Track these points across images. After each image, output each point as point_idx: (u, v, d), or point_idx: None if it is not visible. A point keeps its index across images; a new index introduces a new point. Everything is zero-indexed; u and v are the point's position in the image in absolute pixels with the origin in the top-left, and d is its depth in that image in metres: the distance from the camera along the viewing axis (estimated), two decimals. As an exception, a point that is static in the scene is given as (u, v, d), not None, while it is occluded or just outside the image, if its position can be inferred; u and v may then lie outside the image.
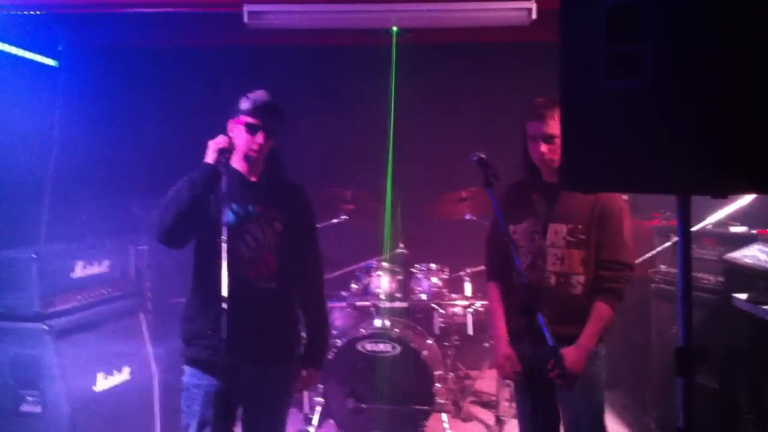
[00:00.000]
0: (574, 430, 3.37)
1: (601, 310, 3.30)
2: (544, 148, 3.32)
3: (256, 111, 3.22)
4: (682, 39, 1.76)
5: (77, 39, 5.41)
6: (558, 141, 3.26)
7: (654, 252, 5.05)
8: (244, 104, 3.24)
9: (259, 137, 3.22)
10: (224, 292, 2.80)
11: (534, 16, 4.87)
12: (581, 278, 3.32)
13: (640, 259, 5.19)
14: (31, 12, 4.61)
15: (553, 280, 3.35)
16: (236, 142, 3.24)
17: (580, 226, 3.30)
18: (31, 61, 5.08)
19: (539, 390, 3.44)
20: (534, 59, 5.52)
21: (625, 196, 3.51)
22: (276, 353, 3.31)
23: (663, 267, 5.08)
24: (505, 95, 5.93)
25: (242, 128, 3.24)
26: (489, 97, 6.30)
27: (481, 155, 3.20)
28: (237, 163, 3.32)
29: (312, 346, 3.50)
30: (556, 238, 3.35)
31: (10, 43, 4.77)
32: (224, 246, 2.88)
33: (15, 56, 4.87)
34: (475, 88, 6.21)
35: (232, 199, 3.22)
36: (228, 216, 3.14)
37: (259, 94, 3.27)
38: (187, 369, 3.28)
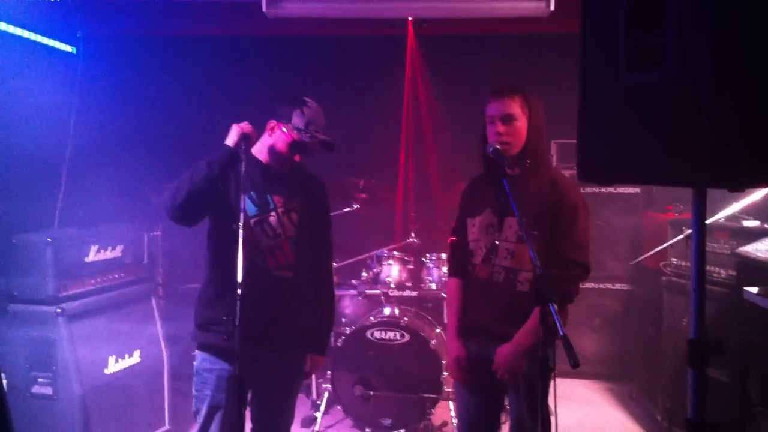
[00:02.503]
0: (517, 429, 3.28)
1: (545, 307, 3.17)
2: (501, 128, 3.17)
3: (313, 135, 3.23)
4: (705, 31, 1.75)
5: (96, 26, 5.44)
6: (517, 125, 3.17)
7: (667, 245, 5.05)
8: (298, 119, 3.25)
9: (298, 157, 3.29)
10: (239, 278, 2.81)
11: (552, 7, 4.85)
12: (529, 275, 3.17)
13: (652, 252, 5.20)
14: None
15: (502, 275, 3.24)
16: (274, 144, 3.28)
17: (532, 221, 3.10)
18: (50, 47, 5.11)
19: (487, 392, 3.38)
20: (552, 51, 5.50)
21: (582, 191, 3.38)
22: (290, 340, 3.35)
23: (675, 260, 5.08)
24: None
25: (285, 138, 3.26)
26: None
27: (497, 146, 3.15)
28: (260, 153, 3.36)
29: (317, 332, 3.55)
30: (509, 232, 3.22)
31: (30, 29, 4.80)
32: (241, 233, 2.90)
33: (34, 42, 4.90)
34: (491, 79, 6.16)
35: (252, 188, 3.25)
36: (247, 205, 3.19)
37: (316, 115, 3.28)
38: (199, 354, 3.31)
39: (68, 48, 5.30)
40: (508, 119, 3.18)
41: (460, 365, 3.38)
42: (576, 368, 2.45)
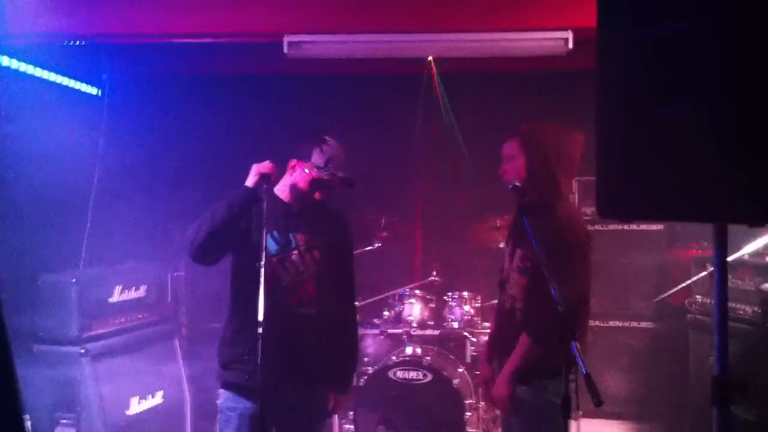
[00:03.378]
0: None
1: (522, 339, 3.16)
2: (502, 167, 3.35)
3: (332, 172, 3.28)
4: (727, 68, 1.74)
5: (120, 68, 5.53)
6: (515, 163, 3.29)
7: (689, 282, 5.00)
8: (318, 157, 3.29)
9: (319, 194, 3.32)
10: (260, 317, 2.83)
11: (571, 45, 4.88)
12: (521, 305, 3.23)
13: (676, 289, 5.16)
14: (77, 42, 4.73)
15: (508, 303, 3.33)
16: (295, 183, 3.32)
17: (528, 252, 3.18)
18: (76, 89, 5.21)
19: None
20: (571, 88, 5.51)
21: (586, 228, 3.41)
22: (313, 377, 3.35)
23: (699, 297, 5.02)
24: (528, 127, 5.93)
25: (305, 176, 3.29)
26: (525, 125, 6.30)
27: (517, 183, 3.19)
28: (282, 192, 3.39)
29: (341, 371, 3.54)
30: (515, 262, 3.30)
31: (56, 72, 4.91)
32: (262, 272, 2.92)
33: (60, 85, 5.01)
34: (510, 116, 6.19)
35: (275, 226, 3.28)
36: (269, 243, 3.22)
37: (336, 152, 3.33)
38: (222, 392, 3.32)
39: (93, 90, 5.41)
40: (508, 158, 3.34)
41: (486, 387, 3.48)
42: (599, 407, 2.43)
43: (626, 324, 6.28)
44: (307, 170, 3.29)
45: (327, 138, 3.36)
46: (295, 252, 3.31)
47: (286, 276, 3.27)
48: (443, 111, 6.20)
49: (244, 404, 3.21)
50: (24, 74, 4.59)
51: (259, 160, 3.26)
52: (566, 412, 2.73)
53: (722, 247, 1.99)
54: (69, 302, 4.07)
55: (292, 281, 3.28)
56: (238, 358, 3.18)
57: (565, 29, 4.81)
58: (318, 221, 3.41)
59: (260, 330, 2.82)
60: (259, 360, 2.77)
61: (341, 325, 3.49)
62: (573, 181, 6.04)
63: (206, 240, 3.13)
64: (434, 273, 5.87)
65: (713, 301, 2.00)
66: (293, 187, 3.35)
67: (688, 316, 5.09)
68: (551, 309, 2.95)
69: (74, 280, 4.08)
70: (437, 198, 6.36)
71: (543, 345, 3.15)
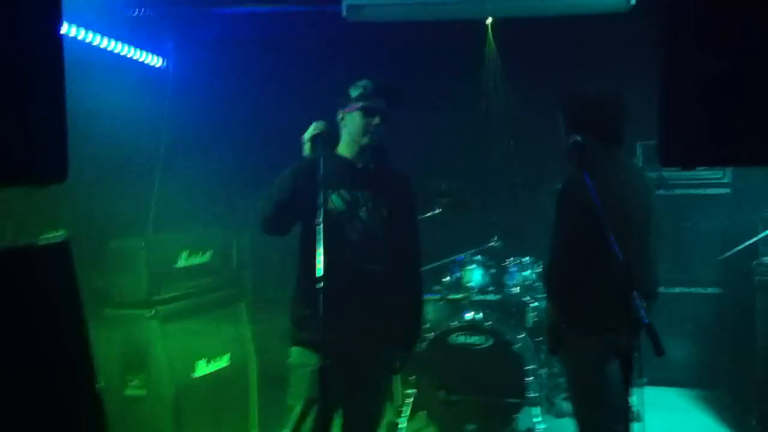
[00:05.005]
0: None
1: None
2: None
3: (371, 95, 3.32)
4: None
5: (184, 36, 5.60)
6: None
7: (757, 238, 4.89)
8: (356, 90, 3.34)
9: (377, 120, 3.32)
10: (321, 272, 2.86)
11: (633, 1, 4.76)
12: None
13: (743, 246, 5.06)
14: (142, 11, 4.83)
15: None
16: (351, 129, 3.36)
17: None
18: (140, 61, 5.31)
19: None
20: (633, 49, 5.39)
21: None
22: (381, 334, 3.39)
23: (767, 259, 4.91)
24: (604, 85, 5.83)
25: (357, 114, 3.33)
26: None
27: (578, 138, 3.18)
28: (345, 149, 3.43)
29: (406, 328, 3.56)
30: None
31: (123, 42, 5.01)
32: (321, 228, 2.95)
33: (125, 56, 5.11)
34: (572, 79, 6.11)
35: (341, 185, 3.33)
36: (337, 202, 3.29)
37: (368, 80, 3.36)
38: (294, 350, 3.38)
39: (158, 60, 5.50)
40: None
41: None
42: (661, 356, 2.44)
43: (692, 290, 6.18)
44: (353, 104, 3.33)
45: (358, 80, 3.39)
46: (363, 209, 3.35)
47: (354, 234, 3.32)
48: (504, 74, 6.14)
49: (316, 360, 3.25)
50: (91, 45, 4.68)
51: (306, 128, 3.30)
52: (627, 366, 2.72)
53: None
54: (138, 266, 4.17)
55: (361, 239, 3.32)
56: (308, 316, 3.21)
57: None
58: (383, 179, 3.44)
59: (324, 285, 2.84)
60: (321, 314, 2.81)
61: (407, 283, 3.52)
62: (636, 144, 6.04)
63: (275, 212, 3.23)
64: (495, 238, 5.85)
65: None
66: (352, 134, 3.37)
67: (756, 278, 4.98)
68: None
69: (143, 244, 4.18)
70: (498, 163, 6.32)
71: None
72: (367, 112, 3.32)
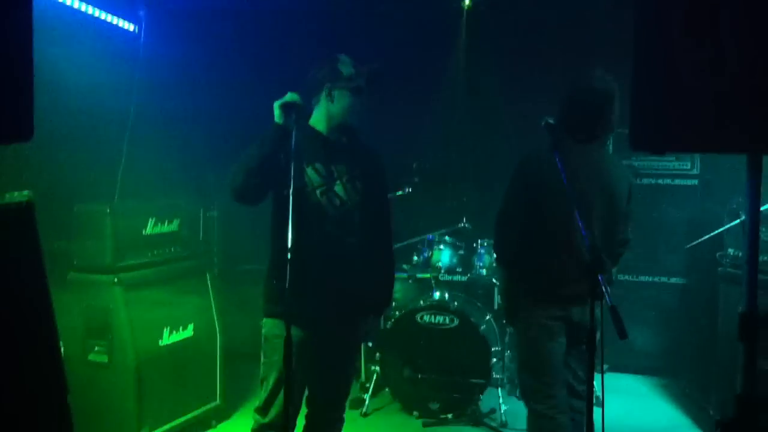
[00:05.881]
0: None
1: None
2: None
3: (363, 76, 3.32)
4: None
5: (157, 4, 5.51)
6: None
7: (722, 229, 4.96)
8: (347, 68, 3.32)
9: (364, 100, 3.35)
10: (290, 243, 2.86)
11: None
12: None
13: (708, 236, 5.13)
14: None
15: None
16: (337, 107, 3.34)
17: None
18: (113, 24, 5.20)
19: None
20: (609, 35, 5.41)
21: None
22: (358, 305, 3.44)
23: (731, 251, 4.97)
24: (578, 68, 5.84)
25: (347, 93, 3.32)
26: (560, 69, 6.19)
27: (549, 120, 3.21)
28: (320, 123, 3.41)
29: (378, 294, 3.59)
30: None
31: (94, 5, 4.90)
32: (290, 200, 2.94)
33: (97, 18, 5.00)
34: (545, 60, 6.11)
35: (316, 158, 3.33)
36: (312, 175, 3.30)
37: (353, 59, 3.35)
38: (267, 321, 3.37)
39: (130, 26, 5.40)
40: None
41: None
42: (624, 339, 2.48)
43: (656, 279, 6.26)
44: (344, 82, 3.30)
45: (337, 55, 3.37)
46: (339, 182, 3.36)
47: (330, 207, 3.33)
48: (478, 53, 6.13)
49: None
50: (62, 5, 4.58)
51: (279, 97, 3.26)
52: (591, 348, 2.76)
53: (756, 180, 1.96)
54: (103, 231, 4.10)
55: (337, 212, 3.34)
56: (284, 287, 3.20)
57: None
58: (356, 152, 3.46)
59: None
60: (287, 284, 2.81)
61: (381, 255, 3.56)
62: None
63: (246, 180, 3.18)
64: (464, 219, 5.86)
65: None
66: (337, 111, 3.35)
67: (719, 269, 5.05)
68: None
69: (109, 210, 4.12)
70: (470, 143, 6.32)
71: None
72: (358, 92, 3.33)
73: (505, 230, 3.61)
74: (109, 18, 5.16)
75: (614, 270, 3.89)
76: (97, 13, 4.99)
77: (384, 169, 3.62)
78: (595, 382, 2.99)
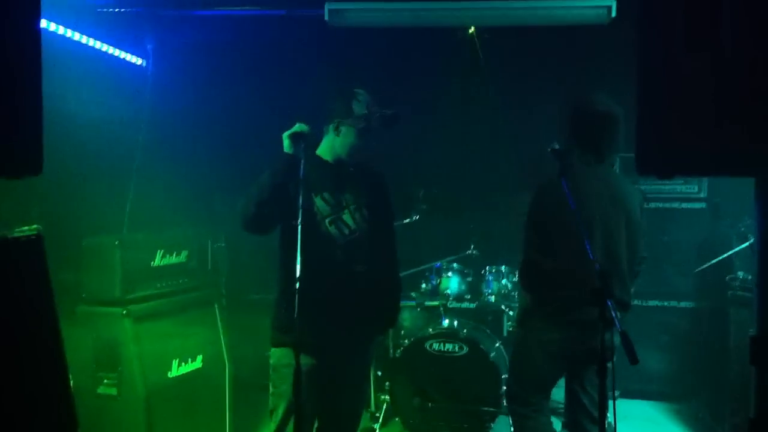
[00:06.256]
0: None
1: None
2: None
3: (375, 118, 3.36)
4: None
5: (164, 38, 5.57)
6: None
7: (731, 252, 4.94)
8: (360, 108, 3.35)
9: (369, 141, 3.40)
10: (298, 273, 2.87)
11: (614, 13, 4.81)
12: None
13: (717, 259, 5.11)
14: (121, 10, 4.80)
15: None
16: (342, 142, 3.39)
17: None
18: (121, 58, 5.27)
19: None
20: (612, 59, 5.44)
21: None
22: (367, 333, 3.50)
23: (741, 274, 4.96)
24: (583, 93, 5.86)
25: (353, 131, 3.36)
26: (565, 96, 6.21)
27: (556, 146, 3.23)
28: (327, 153, 3.47)
29: (385, 315, 3.65)
30: None
31: (102, 41, 4.97)
32: (298, 230, 2.95)
33: (106, 53, 5.07)
34: (552, 86, 6.14)
35: (323, 188, 3.37)
36: (321, 205, 3.34)
37: (370, 98, 3.39)
38: (275, 351, 3.38)
39: (138, 60, 5.46)
40: None
41: None
42: (635, 364, 2.47)
43: (667, 304, 6.24)
44: (353, 119, 3.34)
45: (356, 90, 3.41)
46: (347, 210, 3.39)
47: (339, 236, 3.36)
48: (484, 81, 6.16)
49: (301, 361, 3.24)
50: (71, 40, 4.64)
51: (288, 128, 3.30)
52: (601, 370, 2.75)
53: (765, 201, 1.96)
54: (112, 264, 4.11)
55: (345, 240, 3.37)
56: (292, 317, 3.20)
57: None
58: (362, 179, 3.51)
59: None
60: (303, 314, 2.82)
61: (388, 280, 3.60)
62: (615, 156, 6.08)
63: (257, 210, 3.22)
64: (472, 246, 5.86)
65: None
66: (345, 146, 3.40)
67: (729, 292, 5.03)
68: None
69: (117, 242, 4.13)
70: (477, 171, 6.33)
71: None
72: (364, 133, 3.37)
73: (532, 278, 3.70)
74: (117, 52, 5.23)
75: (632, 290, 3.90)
76: (105, 47, 5.06)
77: (389, 193, 3.67)
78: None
